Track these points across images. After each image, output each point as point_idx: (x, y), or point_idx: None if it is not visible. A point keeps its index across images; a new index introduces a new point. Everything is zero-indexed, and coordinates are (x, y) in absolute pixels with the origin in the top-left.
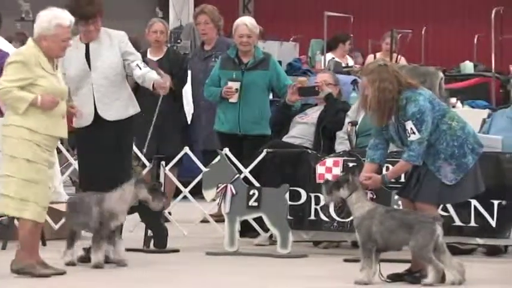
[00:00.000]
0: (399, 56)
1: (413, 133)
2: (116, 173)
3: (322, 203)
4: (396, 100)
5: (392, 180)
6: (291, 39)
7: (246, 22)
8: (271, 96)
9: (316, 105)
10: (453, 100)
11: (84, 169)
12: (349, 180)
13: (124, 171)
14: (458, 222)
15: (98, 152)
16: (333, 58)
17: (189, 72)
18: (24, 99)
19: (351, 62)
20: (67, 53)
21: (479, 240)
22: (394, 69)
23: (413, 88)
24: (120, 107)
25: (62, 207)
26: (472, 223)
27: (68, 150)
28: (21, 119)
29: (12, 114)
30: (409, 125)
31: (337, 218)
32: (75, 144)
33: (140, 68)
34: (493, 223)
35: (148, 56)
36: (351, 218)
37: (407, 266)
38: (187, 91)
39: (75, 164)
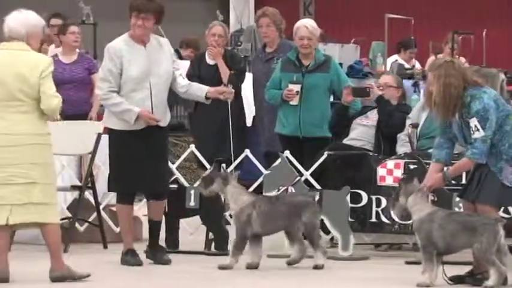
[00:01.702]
0: (461, 58)
1: (477, 130)
2: (161, 178)
3: (383, 205)
4: (461, 97)
5: (454, 182)
6: (352, 41)
7: (306, 24)
8: (332, 99)
9: (376, 107)
10: None
11: (126, 171)
12: (402, 187)
13: (167, 175)
14: None
15: (147, 156)
16: (396, 60)
17: (251, 74)
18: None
19: (417, 65)
20: (127, 53)
21: None
22: (461, 66)
23: (478, 86)
24: (168, 113)
25: None
26: None
27: None
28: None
29: (45, 124)
30: (473, 122)
31: (399, 220)
32: (111, 146)
33: (183, 78)
34: None
35: (207, 58)
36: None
37: (469, 268)
38: (247, 94)
39: None
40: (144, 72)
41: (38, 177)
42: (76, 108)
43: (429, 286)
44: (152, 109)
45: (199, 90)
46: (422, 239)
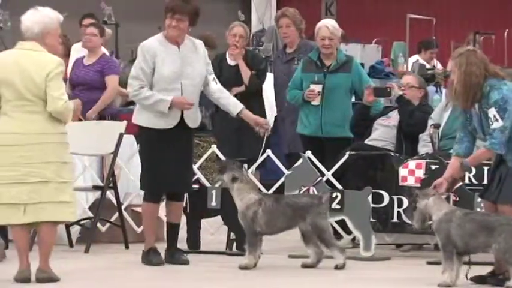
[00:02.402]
0: None
1: (496, 120)
2: (186, 178)
3: (405, 205)
4: (481, 87)
5: (476, 182)
6: (374, 41)
7: (327, 24)
8: (353, 99)
9: (397, 108)
10: None
11: (155, 170)
12: (419, 193)
13: (190, 177)
14: None
15: (173, 156)
16: (417, 60)
17: (272, 75)
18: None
19: (438, 65)
20: (160, 52)
21: None
22: (483, 56)
23: (499, 77)
24: (198, 115)
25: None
26: None
27: None
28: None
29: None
30: (492, 112)
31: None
32: (142, 144)
33: (216, 83)
34: None
35: (227, 59)
36: None
37: (490, 268)
38: (268, 95)
39: None
40: (176, 72)
41: (51, 176)
42: (87, 110)
43: (450, 286)
44: (182, 110)
45: (234, 107)
46: (442, 239)
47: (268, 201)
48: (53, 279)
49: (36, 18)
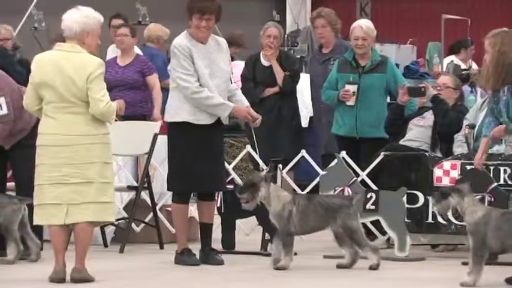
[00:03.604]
0: None
1: None
2: (217, 176)
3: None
4: None
5: (510, 182)
6: (408, 42)
7: (361, 24)
8: (388, 99)
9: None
10: None
11: (184, 169)
12: (457, 188)
13: (223, 175)
14: None
15: (205, 154)
16: (452, 61)
17: (307, 75)
18: None
19: (474, 66)
20: (194, 48)
21: None
22: None
23: None
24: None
25: None
26: None
27: None
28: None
29: (103, 124)
30: None
31: (455, 221)
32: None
33: (231, 82)
34: None
35: (261, 59)
36: None
37: None
38: (304, 94)
39: None
40: (209, 71)
41: (94, 177)
42: (129, 110)
43: (471, 286)
44: None
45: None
46: (476, 242)
47: (301, 200)
48: (88, 279)
49: (77, 17)
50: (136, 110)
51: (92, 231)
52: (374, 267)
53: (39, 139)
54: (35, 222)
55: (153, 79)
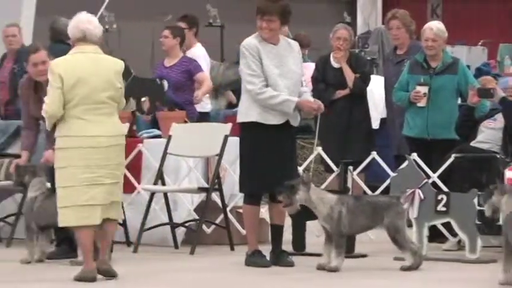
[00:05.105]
0: None
1: None
2: (290, 177)
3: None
4: None
5: None
6: (480, 43)
7: (431, 26)
8: (459, 101)
9: None
10: None
11: (256, 170)
12: (498, 187)
13: (295, 174)
14: None
15: (277, 155)
16: None
17: (378, 77)
18: None
19: None
20: (261, 50)
21: None
22: None
23: None
24: (298, 114)
25: None
26: None
27: None
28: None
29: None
30: None
31: None
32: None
33: (305, 85)
34: None
35: (331, 61)
36: None
37: None
38: (374, 96)
39: None
40: (278, 71)
41: (120, 177)
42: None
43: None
44: None
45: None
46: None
47: (349, 200)
48: (113, 272)
49: (96, 23)
50: (184, 109)
51: (116, 227)
52: (405, 269)
53: (67, 142)
54: (63, 224)
55: (202, 76)
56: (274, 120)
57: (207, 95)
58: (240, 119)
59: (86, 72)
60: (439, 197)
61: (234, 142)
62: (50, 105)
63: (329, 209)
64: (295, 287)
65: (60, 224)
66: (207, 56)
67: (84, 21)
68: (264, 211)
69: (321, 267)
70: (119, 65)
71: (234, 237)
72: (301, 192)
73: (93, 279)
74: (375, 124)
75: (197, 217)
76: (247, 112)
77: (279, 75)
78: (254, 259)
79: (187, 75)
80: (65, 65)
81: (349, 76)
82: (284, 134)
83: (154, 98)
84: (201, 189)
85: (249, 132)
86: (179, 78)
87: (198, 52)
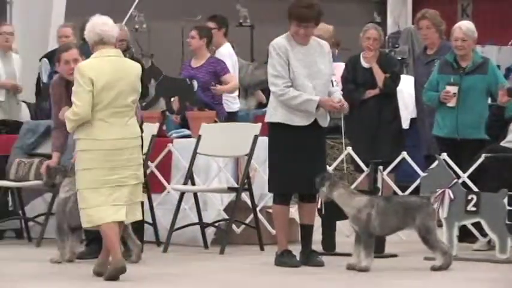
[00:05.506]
0: None
1: None
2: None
3: None
4: None
5: None
6: (510, 43)
7: (461, 26)
8: (489, 101)
9: None
10: None
11: (285, 170)
12: None
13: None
14: None
15: (306, 155)
16: None
17: (409, 76)
18: None
19: None
20: (290, 51)
21: None
22: None
23: None
24: (327, 114)
25: None
26: None
27: None
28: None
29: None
30: None
31: None
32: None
33: (337, 85)
34: None
35: (361, 61)
36: None
37: None
38: (404, 96)
39: None
40: (307, 72)
41: (141, 177)
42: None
43: None
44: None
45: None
46: None
47: (380, 202)
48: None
49: (111, 24)
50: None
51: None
52: (435, 269)
53: (92, 144)
54: (88, 225)
55: (229, 78)
56: (300, 121)
57: (236, 94)
58: (268, 118)
59: (113, 77)
60: (469, 197)
61: (264, 142)
62: (82, 107)
63: (356, 211)
64: (325, 287)
65: (85, 225)
66: (233, 54)
67: (100, 24)
68: (294, 211)
69: (351, 267)
70: (139, 68)
71: (263, 237)
72: (325, 188)
73: (122, 269)
74: (405, 124)
75: (227, 217)
76: (274, 112)
77: (307, 76)
78: (284, 259)
79: (214, 77)
80: (94, 68)
81: (379, 76)
82: (312, 134)
83: (184, 98)
84: (230, 189)
85: (276, 132)
86: (206, 79)
87: (224, 51)
